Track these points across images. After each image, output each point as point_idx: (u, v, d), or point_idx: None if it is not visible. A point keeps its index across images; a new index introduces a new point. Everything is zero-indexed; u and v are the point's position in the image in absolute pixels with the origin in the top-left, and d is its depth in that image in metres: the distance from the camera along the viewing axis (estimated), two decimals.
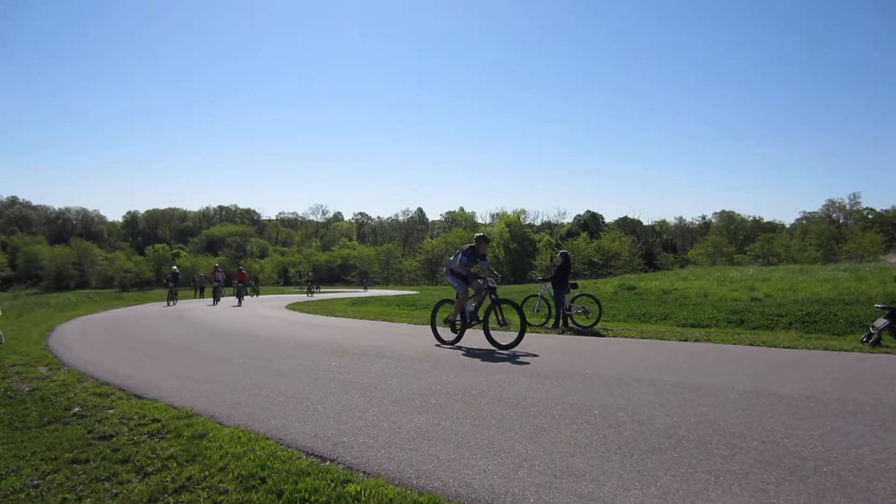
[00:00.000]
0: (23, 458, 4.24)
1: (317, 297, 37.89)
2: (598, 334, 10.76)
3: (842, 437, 4.04)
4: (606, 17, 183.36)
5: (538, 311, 13.04)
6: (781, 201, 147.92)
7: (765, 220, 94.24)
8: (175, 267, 32.05)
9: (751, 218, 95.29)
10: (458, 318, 9.73)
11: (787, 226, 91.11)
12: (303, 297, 36.05)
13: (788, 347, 8.48)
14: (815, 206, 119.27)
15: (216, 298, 28.05)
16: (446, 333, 10.01)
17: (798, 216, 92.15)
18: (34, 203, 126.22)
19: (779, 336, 9.88)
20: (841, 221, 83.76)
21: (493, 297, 9.40)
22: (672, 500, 3.11)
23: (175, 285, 28.07)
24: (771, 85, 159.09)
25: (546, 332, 11.39)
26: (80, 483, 3.75)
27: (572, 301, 12.36)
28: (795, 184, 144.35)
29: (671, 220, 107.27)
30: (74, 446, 4.47)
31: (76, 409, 5.71)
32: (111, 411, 5.58)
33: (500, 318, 9.31)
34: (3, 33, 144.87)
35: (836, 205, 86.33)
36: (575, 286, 12.63)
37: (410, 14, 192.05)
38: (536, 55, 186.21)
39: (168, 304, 26.27)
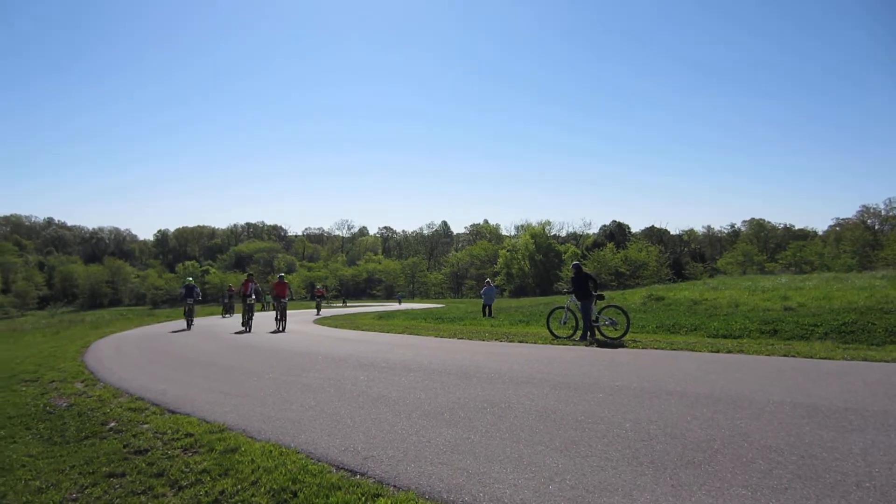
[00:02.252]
0: (62, 472, 4.34)
1: (325, 312, 34.99)
2: (626, 346, 10.62)
3: (884, 451, 3.92)
4: (630, 29, 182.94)
5: (565, 322, 12.94)
6: (813, 208, 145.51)
7: (796, 228, 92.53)
8: (190, 278, 24.51)
9: (782, 225, 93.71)
10: None
11: (820, 233, 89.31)
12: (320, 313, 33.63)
13: (825, 358, 8.27)
14: (848, 212, 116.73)
15: (248, 318, 19.22)
16: None
17: (831, 223, 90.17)
18: (69, 224, 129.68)
19: (814, 346, 9.65)
20: (876, 227, 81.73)
21: None
22: None
23: (194, 302, 21.31)
24: (800, 91, 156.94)
25: (574, 344, 11.28)
26: (117, 497, 3.81)
27: (599, 312, 12.22)
28: (828, 190, 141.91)
29: (699, 228, 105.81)
30: (111, 460, 4.56)
31: (112, 424, 5.82)
32: (146, 426, 5.67)
33: None
34: (31, 57, 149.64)
35: (871, 210, 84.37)
36: (602, 297, 12.50)
37: (437, 28, 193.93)
38: (560, 67, 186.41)
39: (188, 326, 20.73)
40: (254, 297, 19.93)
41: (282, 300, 18.96)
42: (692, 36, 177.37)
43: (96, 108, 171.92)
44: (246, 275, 21.40)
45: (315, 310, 36.44)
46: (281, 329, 18.04)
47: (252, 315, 19.48)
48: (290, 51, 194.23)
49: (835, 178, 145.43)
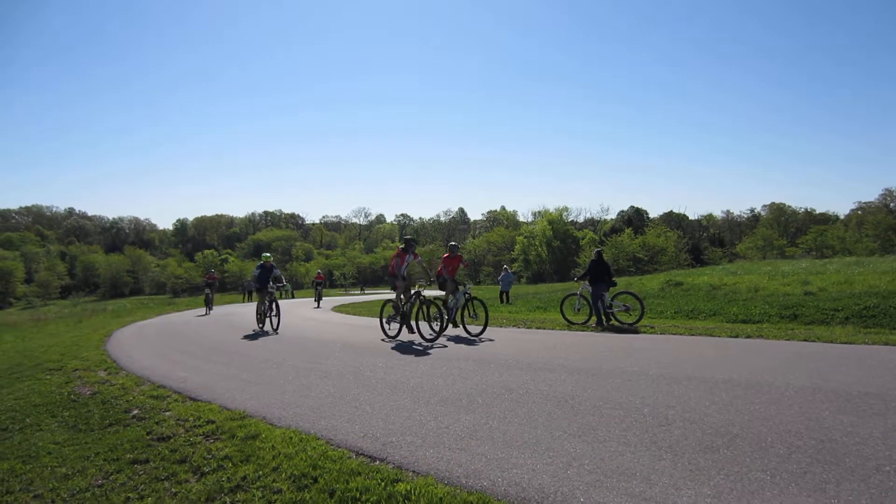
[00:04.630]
0: (87, 459, 4.43)
1: (340, 300, 33.48)
2: (643, 332, 10.57)
3: None
4: (644, 13, 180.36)
5: (579, 310, 12.91)
6: (835, 192, 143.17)
7: (817, 212, 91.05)
8: (268, 254, 15.66)
9: (802, 210, 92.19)
10: None
11: (842, 217, 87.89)
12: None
13: (845, 343, 8.18)
14: (871, 195, 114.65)
15: (449, 311, 11.81)
16: None
17: (853, 207, 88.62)
18: (89, 213, 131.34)
19: (835, 331, 9.55)
20: None
21: None
22: (726, 499, 3.06)
23: (276, 289, 14.61)
24: (820, 75, 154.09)
25: (591, 331, 11.24)
26: (142, 483, 3.89)
27: (613, 298, 12.20)
28: (849, 174, 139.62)
29: (718, 213, 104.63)
30: (135, 447, 4.64)
31: (135, 412, 5.91)
32: (168, 413, 5.76)
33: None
34: (46, 47, 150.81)
35: (894, 194, 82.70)
36: (614, 284, 12.49)
37: (453, 16, 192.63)
38: (575, 52, 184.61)
39: (259, 326, 14.44)
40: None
41: (457, 283, 11.99)
42: (709, 23, 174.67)
43: (114, 97, 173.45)
44: (401, 243, 11.72)
45: (314, 300, 28.65)
46: (477, 335, 10.83)
47: (452, 309, 11.68)
48: (306, 39, 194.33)
49: (857, 161, 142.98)
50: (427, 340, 10.06)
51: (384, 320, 11.49)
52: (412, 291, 11.03)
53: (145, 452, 4.50)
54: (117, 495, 3.71)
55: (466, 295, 11.74)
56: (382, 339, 10.74)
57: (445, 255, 12.56)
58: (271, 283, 14.51)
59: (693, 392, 5.40)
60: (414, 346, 9.60)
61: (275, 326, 13.81)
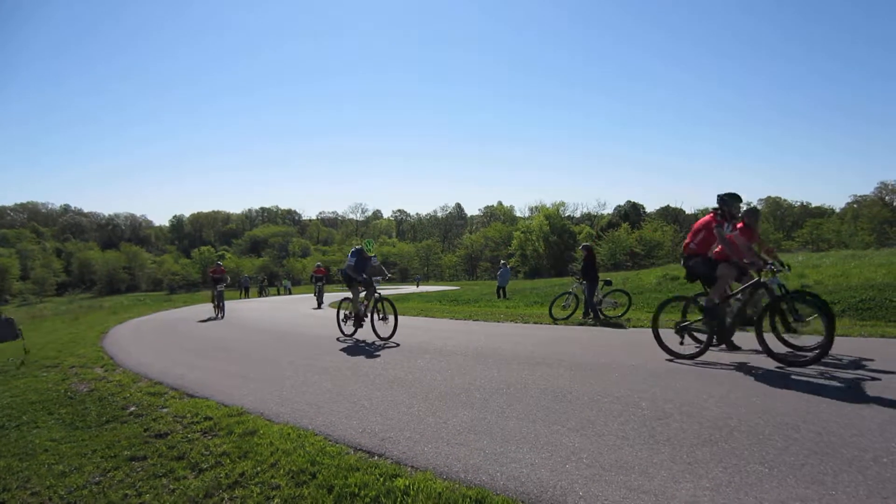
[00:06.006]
0: (84, 456, 4.42)
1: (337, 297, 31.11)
2: (621, 326, 10.57)
3: None
4: (640, 9, 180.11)
5: (567, 306, 12.91)
6: (830, 185, 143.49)
7: (813, 206, 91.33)
8: (371, 241, 12.14)
9: (798, 203, 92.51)
10: None
11: (837, 210, 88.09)
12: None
13: (842, 335, 8.17)
14: (866, 188, 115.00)
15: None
16: None
17: (849, 200, 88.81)
18: (85, 210, 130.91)
19: None
20: (895, 204, 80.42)
21: None
22: (725, 492, 3.06)
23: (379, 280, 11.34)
24: (815, 68, 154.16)
25: (591, 325, 11.26)
26: (139, 479, 3.88)
27: (604, 296, 12.40)
28: (845, 167, 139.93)
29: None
30: (132, 444, 4.63)
31: (132, 409, 5.90)
32: (165, 410, 5.75)
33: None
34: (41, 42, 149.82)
35: (889, 187, 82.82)
36: (609, 283, 12.80)
37: (449, 12, 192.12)
38: (571, 48, 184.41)
39: (354, 329, 10.92)
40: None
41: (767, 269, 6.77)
42: (706, 18, 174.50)
43: (110, 94, 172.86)
44: (718, 202, 7.55)
45: (314, 296, 24.17)
46: (813, 349, 6.32)
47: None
48: (303, 35, 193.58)
49: (852, 154, 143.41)
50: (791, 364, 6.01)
51: (677, 326, 7.43)
52: (749, 280, 6.83)
53: (143, 449, 4.49)
54: (115, 492, 3.70)
55: (782, 288, 6.76)
56: (668, 360, 6.89)
57: (741, 224, 7.61)
58: (372, 277, 11.19)
59: (691, 385, 5.40)
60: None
61: (387, 335, 10.07)
